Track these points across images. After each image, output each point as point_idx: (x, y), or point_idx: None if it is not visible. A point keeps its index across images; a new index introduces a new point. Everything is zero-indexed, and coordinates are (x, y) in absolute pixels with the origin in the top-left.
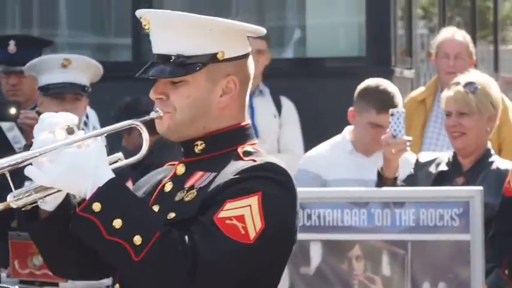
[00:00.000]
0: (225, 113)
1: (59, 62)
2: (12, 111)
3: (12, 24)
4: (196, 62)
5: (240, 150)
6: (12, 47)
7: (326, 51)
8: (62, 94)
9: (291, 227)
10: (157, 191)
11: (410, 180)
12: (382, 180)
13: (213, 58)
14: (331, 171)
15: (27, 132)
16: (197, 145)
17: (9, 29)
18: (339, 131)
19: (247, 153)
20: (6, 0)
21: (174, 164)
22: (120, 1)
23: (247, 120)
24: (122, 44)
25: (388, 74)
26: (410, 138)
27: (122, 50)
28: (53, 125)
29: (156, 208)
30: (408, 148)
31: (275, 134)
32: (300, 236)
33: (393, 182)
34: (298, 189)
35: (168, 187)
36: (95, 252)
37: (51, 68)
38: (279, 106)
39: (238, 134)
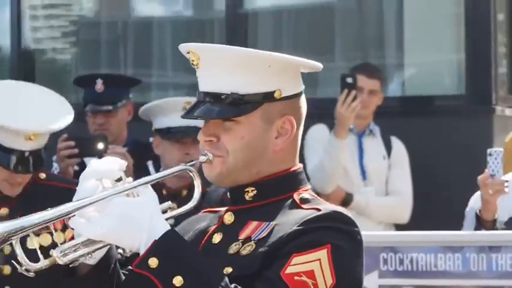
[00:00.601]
0: (279, 157)
1: (181, 105)
2: (100, 146)
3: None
4: (252, 101)
5: (296, 197)
6: (99, 85)
7: (425, 89)
8: (183, 138)
9: (360, 281)
10: (203, 241)
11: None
12: (480, 222)
13: (269, 97)
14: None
15: None
16: (248, 192)
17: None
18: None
19: (305, 201)
20: (119, 43)
21: (212, 212)
22: (212, 41)
23: (299, 164)
24: None
25: (489, 113)
26: (508, 178)
27: None
28: (100, 172)
29: None
30: (507, 189)
31: (383, 175)
32: (392, 281)
33: (492, 225)
34: (389, 232)
35: (217, 238)
36: None
37: (173, 111)
38: (388, 146)
39: (293, 179)
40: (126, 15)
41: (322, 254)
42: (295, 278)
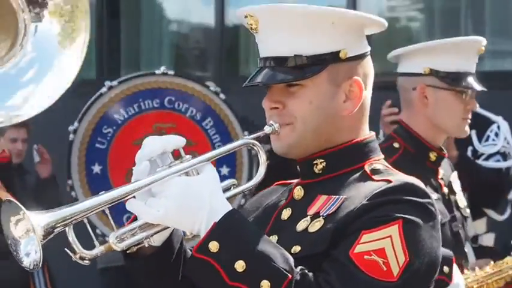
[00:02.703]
0: (348, 123)
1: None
2: None
3: None
4: (317, 63)
5: (367, 167)
6: None
7: None
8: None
9: (435, 257)
10: (272, 218)
11: None
12: None
13: (335, 57)
14: None
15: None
16: (317, 164)
17: None
18: None
19: (376, 172)
20: None
21: (285, 184)
22: None
23: (371, 132)
24: None
25: None
26: None
27: None
28: (156, 150)
29: (274, 239)
30: None
31: None
32: None
33: None
34: None
35: (286, 214)
36: None
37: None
38: None
39: (363, 149)
40: None
41: (393, 229)
42: (365, 257)
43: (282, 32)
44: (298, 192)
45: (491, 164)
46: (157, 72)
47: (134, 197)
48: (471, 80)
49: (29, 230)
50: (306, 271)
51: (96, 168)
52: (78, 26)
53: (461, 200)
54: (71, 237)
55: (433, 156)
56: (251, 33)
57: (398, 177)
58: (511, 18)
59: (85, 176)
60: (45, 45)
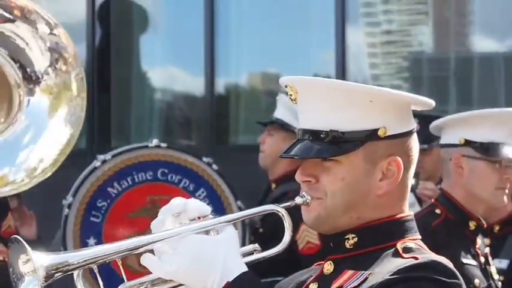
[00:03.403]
0: (383, 201)
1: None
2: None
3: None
4: (353, 140)
5: (399, 246)
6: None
7: None
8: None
9: None
10: None
11: None
12: None
13: (372, 135)
14: None
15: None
16: (348, 239)
17: None
18: None
19: (407, 250)
20: None
21: (321, 264)
22: None
23: (409, 212)
24: None
25: None
26: None
27: None
28: (179, 209)
29: None
30: None
31: None
32: None
33: None
34: None
35: None
36: None
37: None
38: None
39: (398, 227)
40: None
41: None
42: None
43: (320, 105)
44: (328, 267)
45: None
46: (150, 145)
47: (152, 251)
48: (508, 150)
49: (33, 270)
50: None
51: (91, 242)
52: (62, 102)
53: (495, 272)
54: (80, 285)
55: (472, 225)
56: (240, 102)
57: (427, 256)
58: (497, 87)
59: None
60: (37, 116)
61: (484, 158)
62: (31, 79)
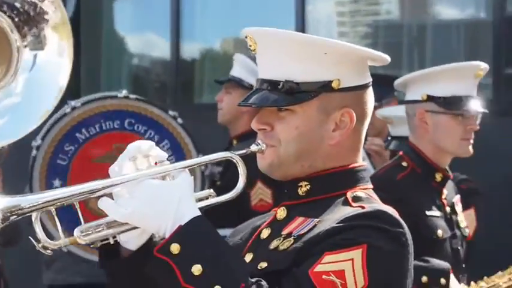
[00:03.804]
0: (335, 151)
1: (474, 71)
2: None
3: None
4: (308, 90)
5: (349, 194)
6: None
7: None
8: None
9: (401, 285)
10: (253, 237)
11: None
12: None
13: (327, 86)
14: None
15: (373, 158)
16: (301, 186)
17: None
18: None
19: (357, 199)
20: None
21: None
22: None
23: (362, 162)
24: None
25: None
26: None
27: None
28: (136, 151)
29: (249, 256)
30: None
31: None
32: None
33: None
34: None
35: (265, 233)
36: None
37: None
38: None
39: (349, 176)
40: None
41: (356, 253)
42: (323, 276)
43: (277, 56)
44: (281, 213)
45: None
46: (119, 95)
47: (110, 196)
48: (469, 103)
49: None
50: (262, 282)
51: (57, 183)
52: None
53: (462, 221)
54: (38, 226)
55: (438, 177)
56: (204, 65)
57: (374, 205)
58: (459, 52)
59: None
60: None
61: (446, 112)
62: (25, 36)
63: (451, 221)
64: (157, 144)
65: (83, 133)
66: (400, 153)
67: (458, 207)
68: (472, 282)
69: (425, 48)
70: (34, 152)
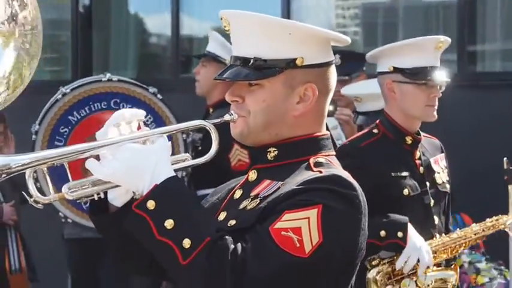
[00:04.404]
0: (300, 122)
1: (434, 44)
2: (330, 108)
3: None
4: (274, 67)
5: (312, 160)
6: (337, 60)
7: None
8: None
9: (353, 245)
10: (228, 197)
11: None
12: None
13: (291, 63)
14: None
15: (343, 127)
16: (270, 152)
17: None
18: None
19: (318, 164)
20: None
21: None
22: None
23: (325, 131)
24: None
25: None
26: None
27: None
28: (119, 119)
29: (223, 215)
30: None
31: None
32: None
33: None
34: None
35: (238, 194)
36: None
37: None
38: None
39: (313, 144)
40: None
41: (312, 213)
42: (282, 233)
43: (247, 35)
44: (252, 175)
45: None
46: (103, 79)
47: (97, 158)
48: (433, 73)
49: None
50: (227, 237)
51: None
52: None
53: (440, 177)
54: (30, 182)
55: (409, 140)
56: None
57: (331, 170)
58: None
59: (47, 169)
60: None
61: (411, 82)
62: None
63: (422, 179)
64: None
65: (75, 115)
66: (377, 121)
67: (438, 166)
68: (443, 235)
69: (398, 28)
70: (33, 136)
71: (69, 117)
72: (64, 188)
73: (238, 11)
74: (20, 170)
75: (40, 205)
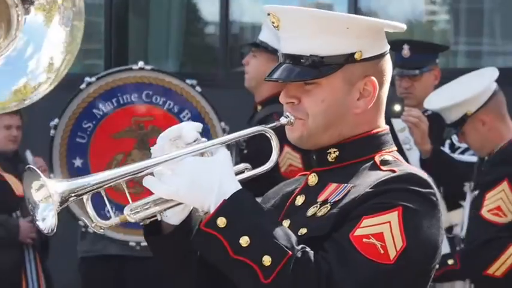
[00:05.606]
0: (361, 118)
1: None
2: (397, 108)
3: None
4: (332, 63)
5: (377, 158)
6: (406, 51)
7: None
8: None
9: (435, 245)
10: (288, 203)
11: None
12: None
13: (350, 58)
14: None
15: (411, 130)
16: (330, 153)
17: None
18: None
19: (385, 163)
20: None
21: (306, 174)
22: None
23: (385, 126)
24: None
25: None
26: None
27: None
28: (175, 132)
29: (286, 223)
30: None
31: None
32: None
33: None
34: None
35: (300, 200)
36: (217, 274)
37: None
38: None
39: (375, 141)
40: None
41: (393, 216)
42: (364, 240)
43: (301, 32)
44: (312, 179)
45: (466, 157)
46: (134, 67)
47: (152, 174)
48: None
49: (48, 196)
50: (307, 249)
51: (78, 162)
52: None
53: None
54: (89, 207)
55: None
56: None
57: (404, 168)
58: None
59: (67, 170)
60: (34, 31)
61: None
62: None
63: None
64: (178, 114)
65: (100, 109)
66: None
67: None
68: None
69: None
70: (52, 131)
71: (94, 111)
72: (126, 210)
73: (288, 7)
74: (83, 194)
75: (102, 230)
